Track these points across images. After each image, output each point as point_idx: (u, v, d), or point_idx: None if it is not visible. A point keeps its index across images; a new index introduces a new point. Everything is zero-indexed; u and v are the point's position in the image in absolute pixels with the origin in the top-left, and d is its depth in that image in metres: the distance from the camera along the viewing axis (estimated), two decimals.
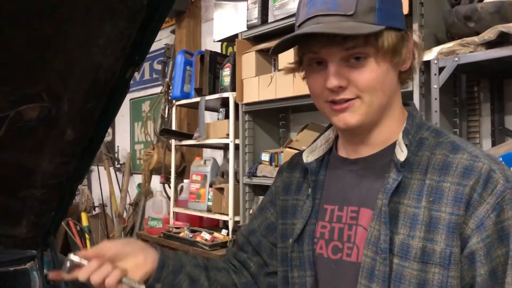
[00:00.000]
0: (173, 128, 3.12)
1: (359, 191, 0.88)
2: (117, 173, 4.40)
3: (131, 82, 1.02)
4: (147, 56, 1.01)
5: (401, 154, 0.82)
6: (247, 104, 2.48)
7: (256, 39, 2.46)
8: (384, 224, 0.80)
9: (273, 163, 2.38)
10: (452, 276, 0.76)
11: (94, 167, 4.61)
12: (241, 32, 2.51)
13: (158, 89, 3.77)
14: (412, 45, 0.85)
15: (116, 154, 4.50)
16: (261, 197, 2.46)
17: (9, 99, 0.90)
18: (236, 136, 2.55)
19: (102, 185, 4.50)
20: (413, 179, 0.82)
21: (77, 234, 4.15)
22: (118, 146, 4.56)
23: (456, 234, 0.76)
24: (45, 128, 1.00)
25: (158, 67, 3.90)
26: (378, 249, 0.80)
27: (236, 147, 2.57)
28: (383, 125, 0.87)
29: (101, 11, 0.81)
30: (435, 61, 1.62)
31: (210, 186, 2.73)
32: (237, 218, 2.52)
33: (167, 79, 3.50)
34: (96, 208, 4.35)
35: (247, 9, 2.44)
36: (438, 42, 1.75)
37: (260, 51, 2.39)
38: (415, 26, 1.71)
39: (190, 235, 2.68)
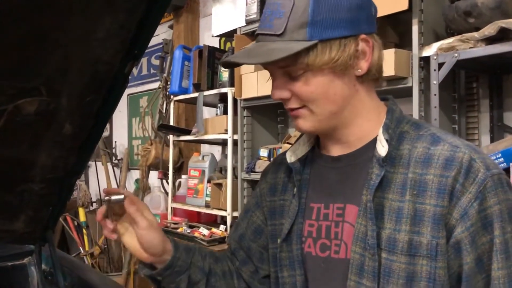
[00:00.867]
0: (171, 123, 3.11)
1: (344, 187, 0.88)
2: (115, 168, 4.39)
3: (129, 77, 1.02)
4: (145, 51, 1.01)
5: (382, 149, 0.83)
6: (246, 100, 2.47)
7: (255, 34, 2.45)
8: (370, 220, 0.81)
9: (272, 159, 2.37)
10: (439, 267, 0.77)
11: (91, 163, 4.60)
12: (239, 27, 2.50)
13: (156, 85, 3.76)
14: (368, 46, 0.83)
15: (113, 150, 4.50)
16: None
17: (7, 93, 0.89)
18: (235, 131, 2.54)
19: (99, 180, 4.50)
20: (396, 173, 0.83)
21: (75, 229, 4.14)
22: (115, 142, 4.55)
23: (442, 225, 0.77)
24: (44, 122, 0.99)
25: (156, 62, 3.89)
26: (366, 245, 0.81)
27: (235, 142, 2.56)
28: (354, 125, 0.88)
29: (100, 4, 0.80)
30: (435, 57, 1.62)
31: (208, 181, 2.73)
32: (235, 214, 2.52)
33: (165, 74, 3.49)
34: (94, 204, 4.34)
35: (246, 4, 2.43)
36: (438, 38, 1.74)
37: None
38: (415, 22, 1.70)
39: (188, 231, 2.68)
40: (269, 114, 2.64)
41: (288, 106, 0.86)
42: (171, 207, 3.02)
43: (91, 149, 1.18)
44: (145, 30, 0.92)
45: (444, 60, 1.59)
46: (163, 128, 3.09)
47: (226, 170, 2.64)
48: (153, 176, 3.65)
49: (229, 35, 2.74)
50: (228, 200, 2.52)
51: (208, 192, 2.72)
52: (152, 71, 4.09)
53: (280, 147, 2.32)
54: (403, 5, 1.67)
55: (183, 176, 3.10)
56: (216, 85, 2.74)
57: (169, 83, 3.27)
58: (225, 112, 2.70)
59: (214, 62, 2.78)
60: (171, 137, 3.08)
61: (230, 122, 2.54)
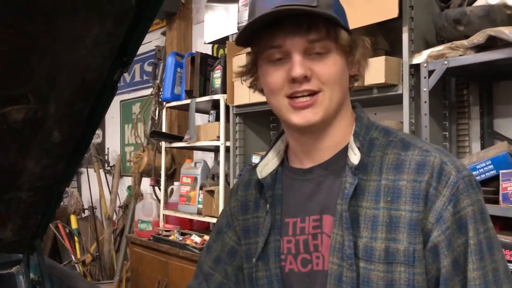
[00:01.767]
0: (164, 130, 3.10)
1: (318, 199, 0.87)
2: (107, 175, 4.37)
3: (121, 84, 1.02)
4: (138, 57, 1.01)
5: (354, 157, 0.82)
6: (238, 107, 2.47)
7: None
8: (346, 229, 0.80)
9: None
10: (417, 273, 0.77)
11: (83, 169, 4.58)
12: (232, 34, 2.51)
13: (148, 91, 3.75)
14: (364, 50, 0.87)
15: (106, 156, 4.47)
16: None
17: None
18: (227, 138, 2.54)
19: (91, 187, 4.47)
20: (369, 181, 0.82)
21: (66, 237, 4.11)
22: (108, 148, 4.53)
23: (418, 231, 0.77)
24: (32, 130, 0.98)
25: (148, 69, 3.88)
26: (343, 255, 0.80)
27: (227, 149, 2.56)
28: (336, 125, 0.87)
29: (89, 11, 0.80)
30: (425, 64, 1.63)
31: (201, 188, 2.72)
32: None
33: (158, 81, 3.48)
34: (86, 211, 4.31)
35: (238, 11, 2.44)
36: (428, 45, 1.76)
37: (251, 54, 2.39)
38: (405, 29, 1.71)
39: (180, 238, 2.66)
40: (261, 121, 2.64)
41: (303, 87, 0.81)
42: (163, 214, 3.01)
43: (80, 156, 1.17)
44: (134, 38, 0.92)
45: (434, 68, 1.60)
46: (156, 134, 3.08)
47: (218, 177, 2.63)
48: (146, 183, 3.63)
49: (221, 42, 2.75)
50: (220, 207, 2.50)
51: (200, 199, 2.70)
52: (144, 77, 4.08)
53: None
54: (394, 13, 1.68)
55: (176, 183, 3.09)
56: (208, 92, 2.74)
57: (161, 89, 3.27)
58: (217, 119, 2.70)
59: (206, 69, 2.78)
60: (163, 144, 3.07)
61: (222, 128, 2.54)
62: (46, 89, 0.91)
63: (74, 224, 4.08)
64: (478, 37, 1.48)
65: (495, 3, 1.48)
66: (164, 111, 3.10)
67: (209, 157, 3.21)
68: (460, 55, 1.55)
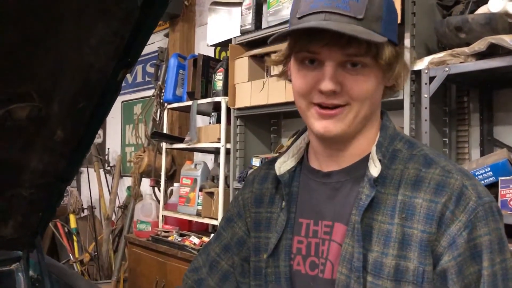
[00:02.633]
0: (165, 131, 3.11)
1: (333, 205, 0.85)
2: (107, 175, 4.37)
3: (124, 84, 1.02)
4: (140, 59, 1.01)
5: (375, 169, 0.80)
6: (239, 109, 2.48)
7: (249, 45, 2.47)
8: (357, 241, 0.79)
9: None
10: None
11: (84, 169, 4.58)
12: (234, 37, 2.52)
13: (150, 92, 3.76)
14: (404, 61, 0.84)
15: (106, 156, 4.48)
16: None
17: None
18: (228, 140, 2.55)
19: (91, 187, 4.47)
20: (386, 194, 0.80)
21: (65, 236, 4.11)
22: (108, 148, 4.54)
23: (428, 252, 0.75)
24: (35, 128, 0.99)
25: (151, 70, 3.89)
26: (352, 266, 0.79)
27: (227, 151, 2.56)
28: (361, 137, 0.84)
29: (95, 11, 0.81)
30: (426, 71, 1.63)
31: (200, 190, 2.72)
32: None
33: (160, 82, 3.49)
34: (85, 210, 4.31)
35: (241, 15, 2.45)
36: (429, 52, 1.76)
37: (253, 57, 2.40)
38: (407, 36, 1.72)
39: (179, 239, 2.67)
40: (262, 124, 2.65)
41: (330, 101, 0.78)
42: (163, 215, 3.01)
43: (82, 155, 1.18)
44: (139, 39, 0.92)
45: (435, 74, 1.61)
46: (156, 135, 3.09)
47: (218, 179, 2.64)
48: (145, 183, 3.64)
49: (224, 45, 2.75)
50: (220, 209, 2.51)
51: (199, 201, 2.71)
52: (147, 78, 4.09)
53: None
54: None
55: (175, 184, 3.09)
56: (210, 94, 2.75)
57: (163, 91, 3.28)
58: (218, 121, 2.70)
59: (208, 71, 2.79)
60: (164, 145, 3.07)
61: (223, 131, 2.55)
62: (50, 88, 0.92)
63: (73, 223, 4.08)
64: (479, 45, 1.49)
65: (497, 11, 1.49)
66: (165, 112, 3.11)
67: (209, 159, 3.22)
68: (461, 62, 1.56)
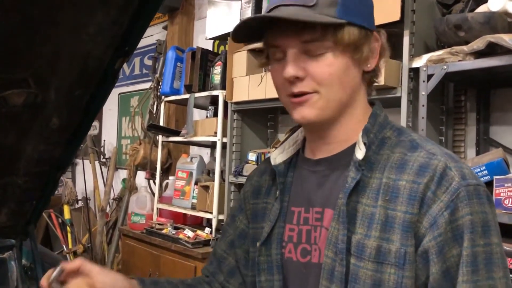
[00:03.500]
0: (161, 124, 3.10)
1: (323, 192, 0.87)
2: (102, 167, 4.36)
3: (121, 76, 1.02)
4: (138, 51, 1.01)
5: (359, 152, 0.81)
6: (237, 103, 2.47)
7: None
8: (342, 224, 0.79)
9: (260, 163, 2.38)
10: (407, 276, 0.75)
11: (79, 160, 4.57)
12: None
13: (147, 85, 3.75)
14: (378, 45, 0.85)
15: (102, 148, 4.47)
16: None
17: None
18: (224, 134, 2.54)
19: (86, 178, 4.46)
20: (372, 178, 0.81)
21: (59, 226, 4.10)
22: (104, 140, 4.52)
23: (411, 233, 0.75)
24: (31, 115, 0.98)
25: (148, 62, 3.88)
26: (337, 249, 0.80)
27: (224, 145, 2.56)
28: (343, 122, 0.86)
29: None
30: (424, 68, 1.63)
31: (196, 183, 2.72)
32: (221, 217, 2.51)
33: (157, 75, 3.48)
34: (79, 202, 4.31)
35: (241, 8, 2.44)
36: (428, 50, 1.76)
37: (251, 51, 2.39)
38: (406, 33, 1.72)
39: (173, 232, 2.66)
40: (259, 119, 2.65)
41: (298, 88, 0.81)
42: (157, 208, 3.01)
43: (77, 144, 1.18)
44: (137, 27, 0.92)
45: (433, 72, 1.61)
46: (153, 128, 3.08)
47: (214, 173, 2.63)
48: (140, 176, 3.63)
49: (222, 38, 2.75)
50: (215, 203, 2.51)
51: (194, 194, 2.71)
52: (144, 71, 4.08)
53: (269, 152, 2.33)
54: (395, 16, 1.69)
55: (171, 177, 3.09)
56: (207, 87, 2.74)
57: (160, 83, 3.27)
58: (215, 114, 2.70)
59: (206, 64, 2.78)
60: (160, 138, 3.07)
61: (220, 124, 2.54)
62: (47, 74, 0.91)
63: (67, 214, 4.07)
64: (478, 43, 1.49)
65: (497, 10, 1.49)
66: (162, 105, 3.09)
67: (205, 152, 3.22)
68: (459, 61, 1.56)
